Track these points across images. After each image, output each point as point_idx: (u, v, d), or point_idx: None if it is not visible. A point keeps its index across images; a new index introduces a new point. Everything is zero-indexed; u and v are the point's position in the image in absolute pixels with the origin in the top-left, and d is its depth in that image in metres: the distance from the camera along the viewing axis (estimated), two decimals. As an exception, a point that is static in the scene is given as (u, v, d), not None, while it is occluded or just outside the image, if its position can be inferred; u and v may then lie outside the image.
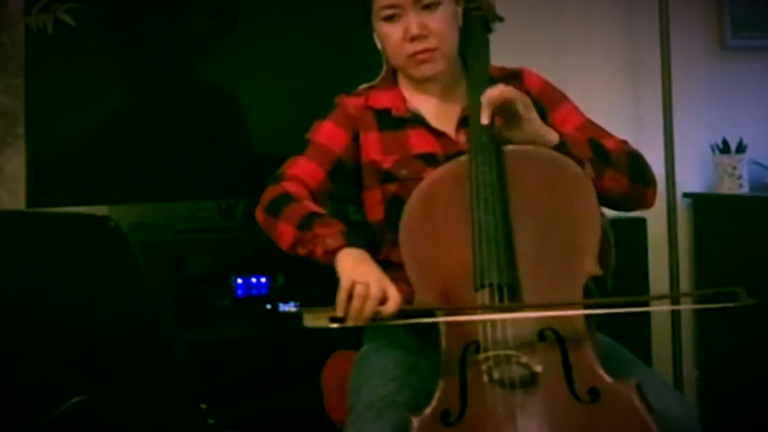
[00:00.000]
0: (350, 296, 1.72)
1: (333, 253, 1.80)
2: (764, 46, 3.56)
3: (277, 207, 1.93)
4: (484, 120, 1.83)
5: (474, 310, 1.74)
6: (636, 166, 1.97)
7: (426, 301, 1.78)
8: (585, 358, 1.67)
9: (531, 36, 3.18)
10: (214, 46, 2.79)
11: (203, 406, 1.53)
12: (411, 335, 1.93)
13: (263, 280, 2.69)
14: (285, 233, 1.89)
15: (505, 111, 1.85)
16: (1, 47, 2.75)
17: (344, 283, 1.73)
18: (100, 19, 2.65)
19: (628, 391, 1.62)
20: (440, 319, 1.74)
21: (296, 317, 1.75)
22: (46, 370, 1.59)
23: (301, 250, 1.87)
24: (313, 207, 1.92)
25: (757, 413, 3.18)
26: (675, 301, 1.69)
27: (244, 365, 2.66)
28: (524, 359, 1.66)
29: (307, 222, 1.86)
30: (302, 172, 2.00)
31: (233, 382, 2.58)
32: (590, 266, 1.75)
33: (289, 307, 1.78)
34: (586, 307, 1.72)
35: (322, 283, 2.57)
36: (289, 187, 1.96)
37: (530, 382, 1.65)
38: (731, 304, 1.68)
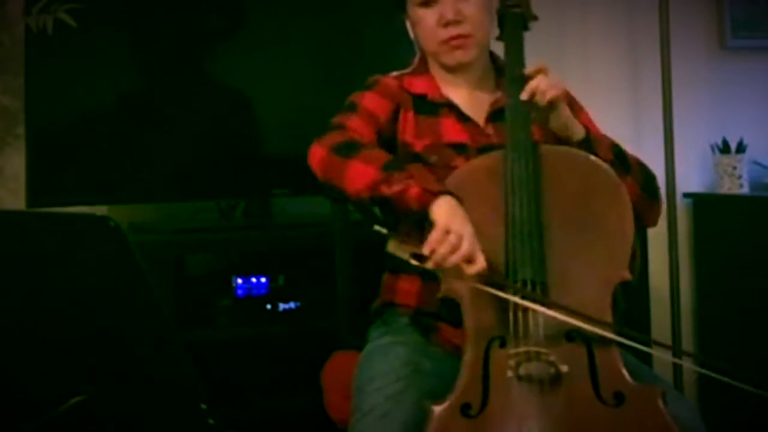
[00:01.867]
0: (440, 242, 1.68)
1: (434, 195, 1.73)
2: (764, 46, 3.56)
3: (349, 149, 1.83)
4: (524, 96, 1.83)
5: (545, 302, 1.71)
6: (649, 180, 1.97)
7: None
8: (611, 361, 1.67)
9: (531, 36, 3.17)
10: (216, 46, 2.79)
11: (203, 406, 1.53)
12: (417, 334, 1.93)
13: (263, 280, 2.69)
14: (362, 172, 1.79)
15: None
16: (1, 47, 2.75)
17: (440, 226, 1.68)
18: (101, 19, 2.65)
19: (653, 397, 1.62)
20: (513, 298, 1.70)
21: (383, 237, 1.75)
22: (46, 370, 1.58)
23: (387, 189, 1.75)
24: (393, 156, 1.87)
25: (757, 413, 3.18)
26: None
27: (245, 365, 2.66)
28: (552, 357, 1.65)
29: (394, 164, 1.80)
30: (359, 128, 1.94)
31: (233, 382, 2.58)
32: (622, 272, 1.76)
33: (380, 227, 1.74)
34: (616, 332, 1.71)
35: (322, 284, 2.59)
36: (357, 136, 1.89)
37: (555, 381, 1.65)
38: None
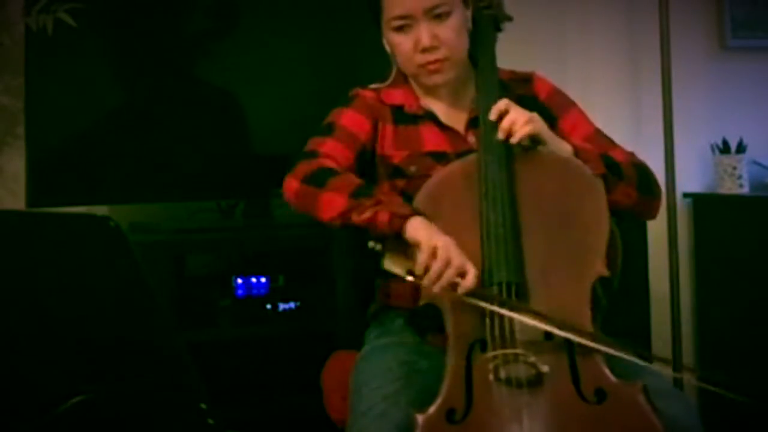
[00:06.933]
0: (432, 260, 1.69)
1: (404, 218, 1.75)
2: (764, 46, 3.56)
3: (320, 178, 1.85)
4: (501, 135, 1.84)
5: (524, 309, 1.72)
6: (644, 179, 1.96)
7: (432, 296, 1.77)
8: (591, 359, 1.68)
9: (531, 36, 3.18)
10: (215, 47, 2.79)
11: (203, 406, 1.53)
12: (413, 335, 1.93)
13: (263, 280, 2.69)
14: (333, 202, 1.82)
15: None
16: (1, 47, 2.75)
17: (426, 245, 1.70)
18: (100, 19, 2.65)
19: (634, 392, 1.62)
20: (492, 308, 1.71)
21: (377, 254, 1.76)
22: (46, 370, 1.59)
23: (357, 217, 1.78)
24: (361, 180, 1.87)
25: (757, 413, 3.18)
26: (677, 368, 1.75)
27: (245, 365, 2.66)
28: (531, 358, 1.66)
29: (362, 191, 1.81)
30: (334, 152, 1.94)
31: (233, 383, 2.58)
32: (598, 267, 1.76)
33: (374, 243, 1.76)
34: (593, 339, 1.71)
35: (322, 284, 2.59)
36: (328, 162, 1.90)
37: (536, 381, 1.65)
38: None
